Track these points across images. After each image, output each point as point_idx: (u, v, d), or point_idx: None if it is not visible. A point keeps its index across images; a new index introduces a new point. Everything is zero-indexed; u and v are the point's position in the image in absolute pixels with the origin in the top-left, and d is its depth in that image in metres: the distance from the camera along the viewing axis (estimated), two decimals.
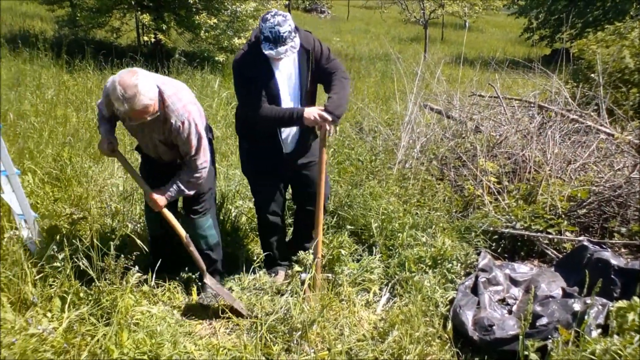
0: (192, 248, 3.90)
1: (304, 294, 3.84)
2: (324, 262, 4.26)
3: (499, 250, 4.89)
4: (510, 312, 3.96)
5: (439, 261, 4.37)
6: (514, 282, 4.26)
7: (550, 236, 4.79)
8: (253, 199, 4.56)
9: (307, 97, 3.99)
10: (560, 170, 5.61)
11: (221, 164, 6.36)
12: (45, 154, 5.92)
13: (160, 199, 3.74)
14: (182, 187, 3.77)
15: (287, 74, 3.89)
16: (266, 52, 3.64)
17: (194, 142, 3.63)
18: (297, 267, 4.22)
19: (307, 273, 4.04)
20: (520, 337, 3.31)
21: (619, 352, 3.06)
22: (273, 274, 4.46)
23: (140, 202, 5.08)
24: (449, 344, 3.68)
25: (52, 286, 3.68)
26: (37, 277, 3.70)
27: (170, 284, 4.13)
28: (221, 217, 4.85)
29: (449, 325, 3.80)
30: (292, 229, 4.83)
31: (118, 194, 5.41)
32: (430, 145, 6.49)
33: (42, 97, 8.25)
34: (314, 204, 4.13)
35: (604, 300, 3.63)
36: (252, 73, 3.83)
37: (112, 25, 13.05)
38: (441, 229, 4.78)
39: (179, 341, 3.46)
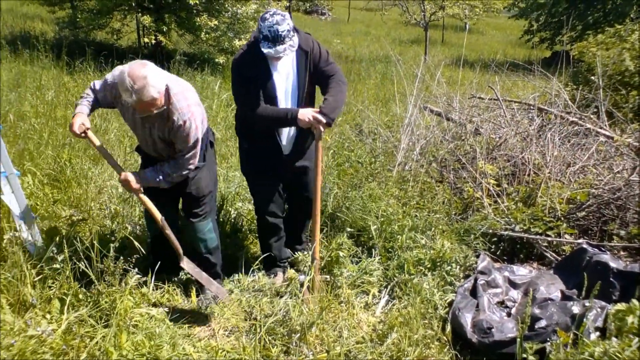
0: (168, 231, 3.80)
1: (303, 296, 3.85)
2: (322, 264, 4.27)
3: (498, 253, 4.89)
4: (509, 314, 3.96)
5: (438, 263, 4.37)
6: (513, 285, 4.26)
7: (549, 239, 4.80)
8: (252, 201, 4.57)
9: (305, 99, 4.02)
10: (559, 173, 5.61)
11: (221, 165, 6.36)
12: (45, 155, 5.93)
13: (133, 181, 3.63)
14: (161, 178, 3.69)
15: (285, 74, 3.92)
16: (265, 51, 3.66)
17: (191, 142, 3.62)
18: (292, 272, 4.25)
19: (305, 275, 4.05)
20: (518, 339, 3.32)
21: (618, 354, 3.06)
22: (272, 275, 4.46)
23: (139, 204, 5.08)
24: (447, 347, 3.69)
25: (52, 288, 3.68)
26: (37, 278, 3.70)
27: (169, 286, 4.13)
28: (221, 219, 4.85)
29: (448, 328, 3.80)
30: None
31: (117, 195, 5.41)
32: (430, 148, 6.49)
33: (42, 98, 8.26)
34: (307, 208, 4.21)
35: (603, 303, 3.63)
36: (251, 73, 3.86)
37: (112, 26, 13.06)
38: (440, 232, 4.78)
39: (177, 343, 3.46)
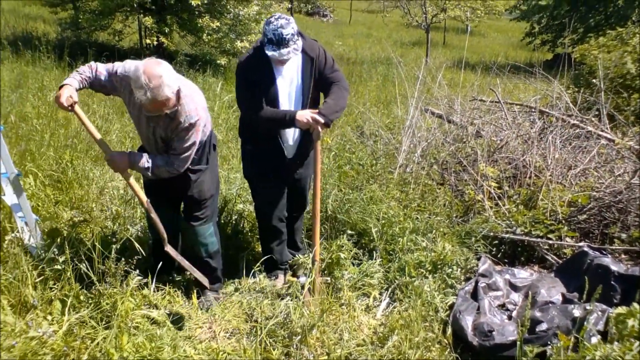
0: (154, 215, 3.75)
1: (304, 298, 3.85)
2: (323, 267, 4.27)
3: (499, 256, 4.89)
4: (510, 317, 3.96)
5: (439, 266, 4.37)
6: (514, 288, 4.26)
7: (550, 242, 4.79)
8: (254, 203, 4.58)
9: (309, 105, 4.05)
10: (560, 176, 5.61)
11: (222, 167, 6.37)
12: (46, 156, 5.94)
13: (122, 161, 3.57)
14: (149, 166, 3.60)
15: (289, 79, 3.96)
16: (269, 54, 3.71)
17: (188, 144, 3.60)
18: (289, 276, 4.27)
19: (306, 277, 4.05)
20: (518, 342, 3.31)
21: (619, 358, 3.06)
22: (273, 278, 4.47)
23: (140, 204, 5.08)
24: (448, 349, 3.69)
25: (53, 289, 3.68)
26: (38, 279, 3.70)
27: (170, 288, 4.13)
28: (222, 221, 4.85)
29: (449, 331, 3.80)
30: None
31: (119, 196, 5.42)
32: (431, 150, 6.49)
33: (44, 99, 8.26)
34: (300, 211, 4.45)
35: (604, 307, 3.63)
36: (255, 76, 3.90)
37: (114, 28, 13.07)
38: (441, 234, 4.78)
39: (178, 345, 3.47)
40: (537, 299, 3.93)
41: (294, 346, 3.54)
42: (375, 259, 4.51)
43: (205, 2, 11.61)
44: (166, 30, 11.81)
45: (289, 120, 3.86)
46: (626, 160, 5.75)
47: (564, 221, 4.97)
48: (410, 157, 6.28)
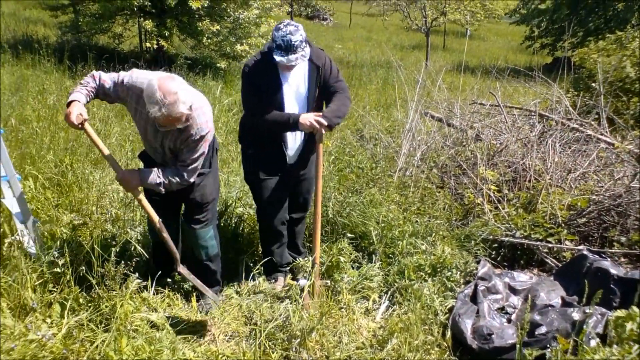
0: (166, 235, 3.77)
1: (303, 301, 3.85)
2: (323, 270, 4.27)
3: (498, 259, 4.89)
4: (509, 320, 3.96)
5: (438, 269, 4.37)
6: (514, 291, 4.26)
7: (549, 245, 4.80)
8: (255, 206, 4.59)
9: (313, 111, 4.09)
10: (560, 179, 5.62)
11: (222, 170, 6.37)
12: (46, 159, 5.94)
13: (134, 178, 3.55)
14: (160, 182, 3.60)
15: (295, 86, 4.04)
16: (277, 59, 3.76)
17: (197, 155, 3.62)
18: (289, 279, 4.27)
19: (306, 280, 4.06)
20: (518, 345, 3.31)
21: None
22: (273, 281, 4.47)
23: (140, 208, 5.08)
24: (447, 353, 3.69)
25: (52, 292, 3.69)
26: (37, 282, 3.70)
27: (169, 291, 4.13)
28: (222, 224, 4.86)
29: (448, 334, 3.80)
30: None
31: (118, 200, 5.42)
32: (431, 153, 6.50)
33: (44, 102, 8.27)
34: (302, 213, 4.50)
35: (603, 310, 3.63)
36: (261, 81, 3.97)
37: (114, 31, 13.08)
38: (441, 237, 4.78)
39: (177, 348, 3.46)
40: (537, 302, 3.93)
41: (293, 349, 3.54)
42: (374, 262, 4.52)
43: (206, 5, 11.61)
44: (166, 34, 11.81)
45: (293, 123, 3.93)
46: (626, 164, 5.75)
47: (563, 224, 4.97)
48: (410, 161, 6.29)
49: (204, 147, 3.63)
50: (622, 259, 4.70)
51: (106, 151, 3.51)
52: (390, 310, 4.16)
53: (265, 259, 4.41)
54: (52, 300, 3.61)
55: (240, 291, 4.29)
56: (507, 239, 4.88)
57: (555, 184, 5.44)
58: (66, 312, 3.53)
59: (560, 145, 6.10)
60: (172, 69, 11.17)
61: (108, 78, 3.58)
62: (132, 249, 4.41)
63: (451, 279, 4.32)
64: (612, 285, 3.89)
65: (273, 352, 3.53)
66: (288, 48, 3.73)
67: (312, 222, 4.19)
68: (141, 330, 3.54)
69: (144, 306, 3.84)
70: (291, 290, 4.04)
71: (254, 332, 3.71)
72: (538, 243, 4.81)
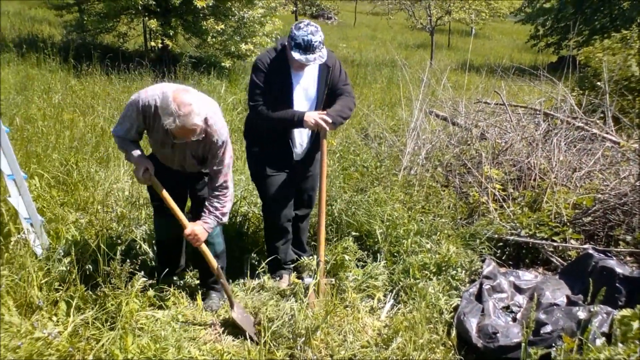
0: (223, 280, 3.84)
1: (309, 299, 3.85)
2: (327, 268, 4.27)
3: (503, 258, 4.88)
4: (514, 319, 3.96)
5: (443, 268, 4.37)
6: (519, 290, 4.25)
7: (555, 244, 4.79)
8: (259, 204, 4.60)
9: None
10: (565, 178, 5.61)
11: None
12: (51, 158, 5.95)
13: (203, 234, 3.70)
14: (219, 216, 3.75)
15: (304, 86, 4.11)
16: (296, 57, 3.83)
17: (227, 162, 3.69)
18: (293, 277, 4.27)
19: (311, 278, 4.06)
20: (523, 344, 3.31)
21: None
22: (278, 278, 4.48)
23: (146, 206, 5.10)
24: (452, 351, 3.68)
25: (58, 290, 3.70)
26: (43, 280, 3.71)
27: (175, 289, 4.14)
28: (226, 222, 4.86)
29: (453, 333, 3.79)
30: None
31: (124, 198, 5.43)
32: (436, 152, 6.49)
33: (49, 101, 8.29)
34: (307, 210, 4.56)
35: (609, 309, 3.62)
36: (273, 78, 4.02)
37: (119, 30, 13.09)
38: (446, 236, 4.78)
39: (183, 346, 3.47)
40: (542, 301, 3.92)
41: (298, 347, 3.54)
42: (379, 261, 4.52)
43: (210, 4, 11.61)
44: (171, 33, 11.81)
45: (297, 120, 4.00)
46: (631, 163, 5.74)
47: (568, 223, 4.96)
48: (415, 160, 6.29)
49: (230, 152, 3.70)
50: (628, 258, 4.69)
51: (176, 207, 3.69)
52: (395, 308, 4.16)
53: (271, 257, 4.42)
54: (58, 299, 3.62)
55: (245, 289, 4.29)
56: (512, 237, 4.87)
57: (560, 183, 5.43)
58: (72, 310, 3.54)
59: (565, 144, 6.09)
60: (176, 67, 11.19)
61: (120, 129, 3.65)
62: (138, 247, 4.43)
63: (456, 278, 4.32)
64: (617, 284, 3.89)
65: (278, 351, 3.53)
66: (307, 47, 3.80)
67: (317, 220, 4.20)
68: (147, 329, 3.55)
69: (149, 304, 3.85)
70: (296, 289, 4.04)
71: (258, 330, 3.71)
72: (543, 242, 4.80)
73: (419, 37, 28.58)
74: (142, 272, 3.75)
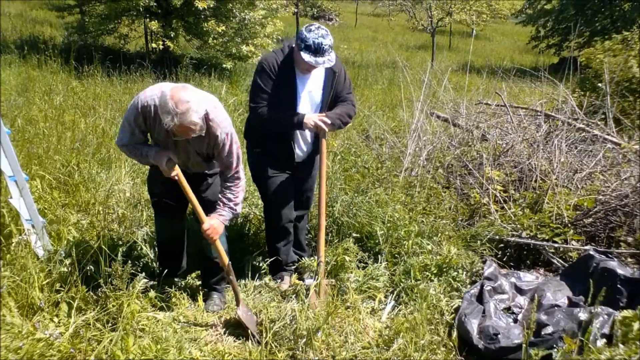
0: (232, 277, 3.86)
1: (310, 300, 3.85)
2: (328, 269, 4.27)
3: (504, 259, 4.88)
4: (515, 320, 3.96)
5: (444, 269, 4.37)
6: (520, 291, 4.25)
7: (556, 245, 4.79)
8: (260, 206, 4.60)
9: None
10: (566, 179, 5.61)
11: None
12: (53, 159, 5.96)
13: (220, 227, 3.73)
14: (233, 207, 3.77)
15: (310, 90, 4.14)
16: (306, 59, 3.84)
17: (235, 152, 3.68)
18: (294, 279, 4.27)
19: (312, 280, 4.06)
20: (524, 345, 3.31)
21: None
22: (279, 280, 4.48)
23: (147, 208, 5.11)
24: (454, 352, 3.68)
25: (59, 291, 3.70)
26: (45, 282, 3.71)
27: (176, 291, 4.14)
28: (227, 224, 4.86)
29: (454, 334, 3.79)
30: None
31: (125, 199, 5.43)
32: (437, 153, 6.50)
33: (50, 102, 8.29)
34: (304, 210, 4.59)
35: (610, 310, 3.62)
36: (279, 80, 4.04)
37: (120, 32, 13.10)
38: (447, 237, 4.78)
39: (184, 347, 3.47)
40: (543, 302, 3.92)
41: (300, 349, 3.54)
42: (380, 262, 4.52)
43: (211, 6, 11.62)
44: (172, 34, 11.81)
45: (297, 123, 4.04)
46: (632, 164, 5.74)
47: (569, 224, 4.96)
48: (416, 161, 6.29)
49: (237, 144, 3.68)
50: (629, 259, 4.68)
51: (197, 202, 3.69)
52: (396, 310, 4.15)
53: (272, 259, 4.42)
54: (60, 300, 3.63)
55: (246, 290, 4.29)
56: (513, 239, 4.87)
57: (561, 184, 5.43)
58: (73, 311, 3.54)
59: (566, 146, 6.09)
60: (178, 69, 11.20)
61: (124, 135, 3.64)
62: (139, 248, 4.43)
63: (457, 279, 4.32)
64: (618, 286, 3.88)
65: (279, 352, 3.53)
66: (317, 50, 3.82)
67: (317, 221, 4.21)
68: (148, 330, 3.56)
69: (150, 305, 3.86)
70: (298, 289, 4.05)
71: (260, 331, 3.72)
72: (544, 243, 4.80)
73: (420, 39, 28.60)
74: (143, 274, 3.76)
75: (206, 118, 3.44)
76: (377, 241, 4.69)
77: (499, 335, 3.60)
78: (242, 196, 3.83)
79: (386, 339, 3.75)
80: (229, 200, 3.75)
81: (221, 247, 3.80)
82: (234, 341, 3.76)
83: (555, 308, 3.81)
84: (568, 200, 5.14)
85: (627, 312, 3.42)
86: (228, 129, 3.60)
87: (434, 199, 5.45)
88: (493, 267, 4.37)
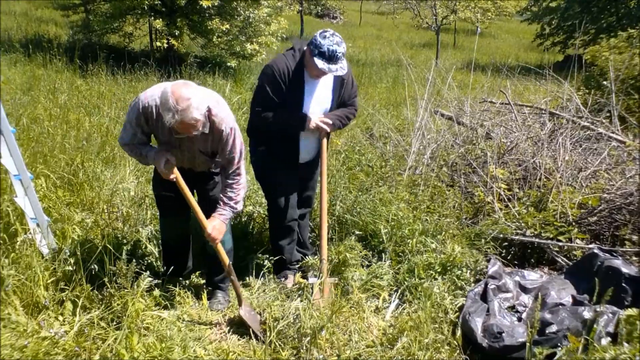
0: (234, 277, 3.87)
1: (314, 298, 3.86)
2: (332, 267, 4.28)
3: (508, 258, 4.88)
4: (519, 319, 3.95)
5: (448, 268, 4.37)
6: (524, 290, 4.25)
7: (560, 243, 4.78)
8: (264, 204, 4.61)
9: None
10: (571, 178, 5.59)
11: None
12: (58, 158, 5.97)
13: (222, 226, 3.73)
14: (234, 206, 3.78)
15: (318, 96, 4.16)
16: (319, 66, 3.84)
17: (239, 147, 3.69)
18: (299, 277, 4.28)
19: (316, 278, 4.07)
20: (528, 344, 3.31)
21: None
22: (283, 278, 4.49)
23: (151, 206, 5.12)
24: (458, 351, 3.68)
25: (64, 290, 3.71)
26: (50, 280, 3.73)
27: (180, 289, 4.15)
28: (232, 222, 4.87)
29: (458, 332, 3.79)
30: None
31: (129, 198, 5.44)
32: (441, 152, 6.49)
33: (55, 101, 8.31)
34: (307, 209, 4.63)
35: (614, 308, 3.61)
36: (288, 85, 4.05)
37: (125, 30, 13.13)
38: (451, 236, 4.77)
39: (188, 345, 3.48)
40: (547, 301, 3.91)
41: (304, 347, 3.55)
42: (384, 261, 4.52)
43: (216, 4, 11.63)
44: (176, 33, 11.83)
45: (300, 124, 4.10)
46: (637, 162, 5.72)
47: (574, 223, 4.95)
48: (420, 159, 6.28)
49: (240, 138, 3.69)
50: (634, 258, 4.66)
51: (196, 205, 3.71)
52: (400, 308, 4.15)
53: (275, 257, 4.42)
54: (64, 298, 3.64)
55: (250, 289, 4.30)
56: (517, 237, 4.86)
57: (565, 183, 5.42)
58: (78, 310, 3.56)
59: (571, 144, 6.08)
60: (182, 67, 11.22)
61: (126, 135, 3.65)
62: (143, 247, 4.44)
63: (461, 278, 4.31)
64: (623, 284, 3.87)
65: (283, 350, 3.54)
66: (331, 57, 3.84)
67: (319, 219, 4.22)
68: (152, 328, 3.57)
69: (155, 304, 3.86)
70: (302, 287, 4.05)
71: (264, 330, 3.72)
72: (549, 242, 4.79)
73: (425, 37, 28.57)
74: (148, 272, 3.77)
75: (209, 114, 3.44)
76: (381, 240, 4.69)
77: (503, 334, 3.59)
78: (242, 194, 3.83)
79: (390, 338, 3.75)
80: (230, 199, 3.75)
81: (222, 249, 3.81)
82: (238, 340, 3.77)
83: (560, 307, 3.80)
84: (572, 198, 5.12)
85: (632, 311, 3.42)
86: (231, 123, 3.61)
87: (438, 198, 5.44)
88: (497, 266, 4.37)
